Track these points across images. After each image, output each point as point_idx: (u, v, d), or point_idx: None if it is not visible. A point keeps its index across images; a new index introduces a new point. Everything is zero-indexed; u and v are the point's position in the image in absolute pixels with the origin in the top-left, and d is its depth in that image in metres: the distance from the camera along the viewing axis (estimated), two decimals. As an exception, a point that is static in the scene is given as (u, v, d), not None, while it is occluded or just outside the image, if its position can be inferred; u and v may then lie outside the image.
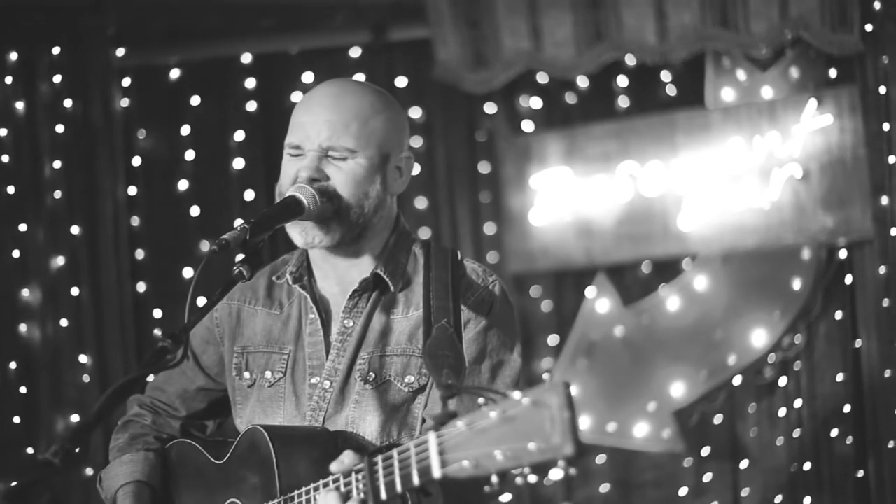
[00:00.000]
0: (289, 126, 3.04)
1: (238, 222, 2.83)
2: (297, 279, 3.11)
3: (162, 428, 3.26)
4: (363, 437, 2.95)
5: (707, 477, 6.04)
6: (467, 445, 2.27)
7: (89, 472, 5.55)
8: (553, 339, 6.32)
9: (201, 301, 2.73)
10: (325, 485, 2.66)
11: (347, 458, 2.63)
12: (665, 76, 6.17)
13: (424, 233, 6.27)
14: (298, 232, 2.98)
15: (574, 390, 5.86)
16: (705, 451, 6.04)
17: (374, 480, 2.50)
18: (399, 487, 2.45)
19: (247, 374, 3.12)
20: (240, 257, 2.76)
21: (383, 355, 2.99)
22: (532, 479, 2.17)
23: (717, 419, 6.02)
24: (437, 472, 2.33)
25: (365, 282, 3.04)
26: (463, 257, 3.10)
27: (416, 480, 2.39)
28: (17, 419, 5.69)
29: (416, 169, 6.22)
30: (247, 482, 2.87)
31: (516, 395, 2.21)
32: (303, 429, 2.97)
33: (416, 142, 6.31)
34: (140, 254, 6.09)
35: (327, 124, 2.96)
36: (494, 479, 2.26)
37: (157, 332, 5.65)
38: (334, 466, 2.64)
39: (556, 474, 2.22)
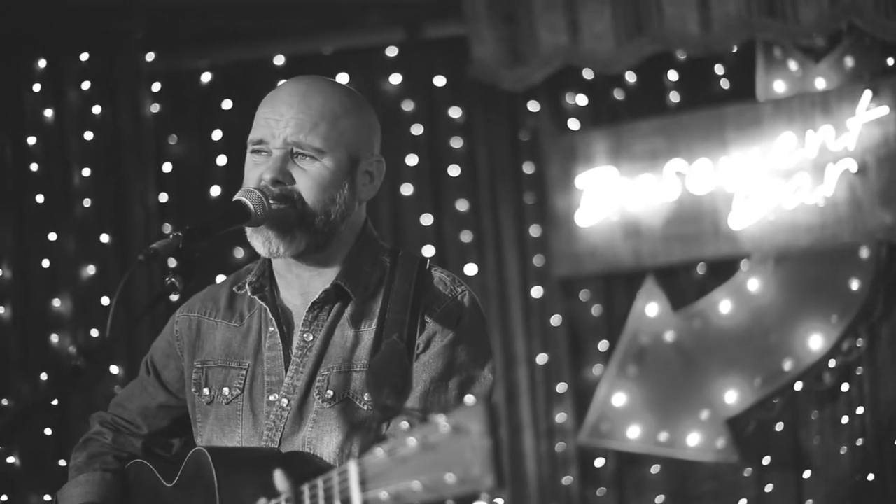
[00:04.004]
0: (253, 124, 2.88)
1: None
2: (256, 290, 2.94)
3: (122, 447, 3.11)
4: (321, 459, 2.76)
5: (769, 487, 5.77)
6: (388, 475, 2.09)
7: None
8: (603, 345, 6.10)
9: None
10: None
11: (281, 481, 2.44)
12: (718, 69, 5.90)
13: (466, 236, 6.10)
14: (261, 241, 2.82)
15: (615, 399, 5.79)
16: (766, 461, 5.76)
17: None
18: None
19: (206, 391, 2.96)
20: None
21: (344, 371, 2.81)
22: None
23: (779, 427, 5.74)
24: None
25: (326, 293, 2.85)
26: (433, 266, 2.91)
27: None
28: (48, 431, 5.60)
29: (457, 170, 6.06)
30: (191, 506, 2.71)
31: (438, 419, 2.01)
32: (251, 451, 2.80)
33: (457, 142, 6.13)
34: (172, 262, 5.94)
35: (294, 121, 2.80)
36: None
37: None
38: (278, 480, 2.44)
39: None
